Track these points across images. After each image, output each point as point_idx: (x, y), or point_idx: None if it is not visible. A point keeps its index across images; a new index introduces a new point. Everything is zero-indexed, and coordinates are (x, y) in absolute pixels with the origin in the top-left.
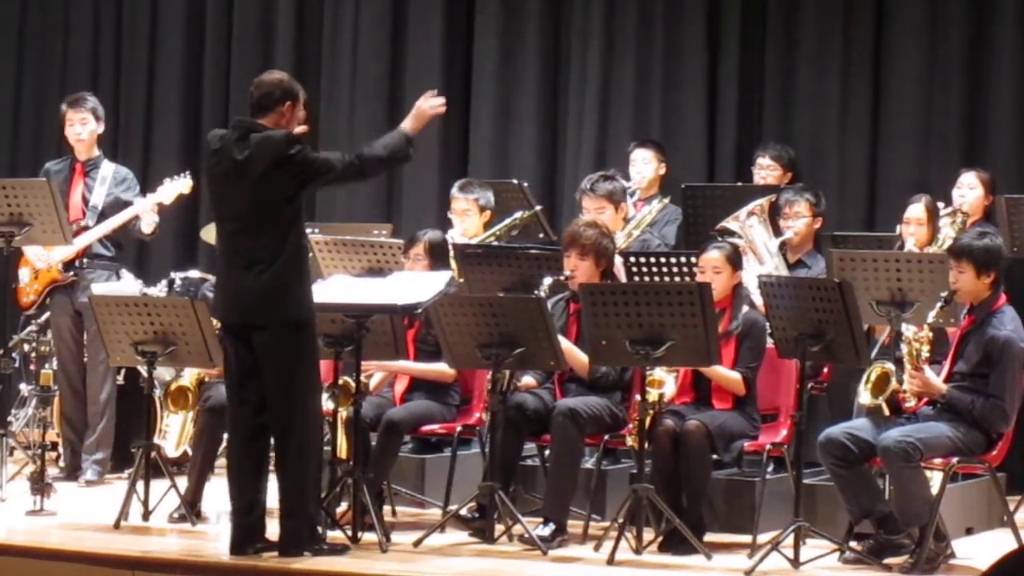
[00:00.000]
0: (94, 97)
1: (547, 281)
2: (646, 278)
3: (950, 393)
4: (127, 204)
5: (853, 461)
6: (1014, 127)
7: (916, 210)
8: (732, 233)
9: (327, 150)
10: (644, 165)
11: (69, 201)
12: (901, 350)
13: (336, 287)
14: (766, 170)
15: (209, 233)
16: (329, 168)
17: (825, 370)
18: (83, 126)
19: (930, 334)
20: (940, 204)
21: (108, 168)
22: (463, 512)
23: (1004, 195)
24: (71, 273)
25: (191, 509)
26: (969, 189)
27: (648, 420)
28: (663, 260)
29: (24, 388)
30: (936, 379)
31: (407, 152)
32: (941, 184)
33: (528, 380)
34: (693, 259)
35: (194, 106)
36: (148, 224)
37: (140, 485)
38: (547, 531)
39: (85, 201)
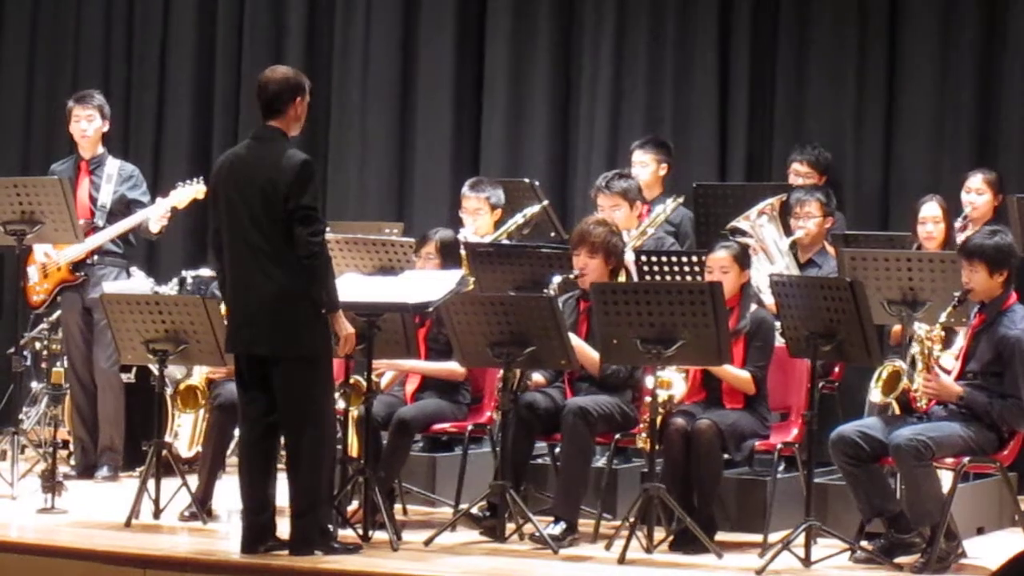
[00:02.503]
0: (101, 95)
1: (556, 279)
2: (657, 277)
3: (967, 395)
4: (134, 202)
5: (865, 459)
6: None
7: (931, 208)
8: (743, 232)
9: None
10: (642, 168)
11: (76, 199)
12: (913, 349)
13: (347, 286)
14: (803, 177)
15: None
16: (312, 220)
17: (836, 369)
18: (89, 123)
19: (942, 333)
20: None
21: (113, 165)
22: (474, 511)
23: (1016, 195)
24: (81, 273)
25: (202, 507)
26: (978, 195)
27: (659, 419)
28: (674, 259)
29: (35, 386)
30: (952, 383)
31: (330, 302)
32: (955, 185)
33: (537, 378)
34: (705, 258)
35: (205, 106)
36: (156, 224)
37: (151, 483)
38: (558, 530)
39: (92, 200)
